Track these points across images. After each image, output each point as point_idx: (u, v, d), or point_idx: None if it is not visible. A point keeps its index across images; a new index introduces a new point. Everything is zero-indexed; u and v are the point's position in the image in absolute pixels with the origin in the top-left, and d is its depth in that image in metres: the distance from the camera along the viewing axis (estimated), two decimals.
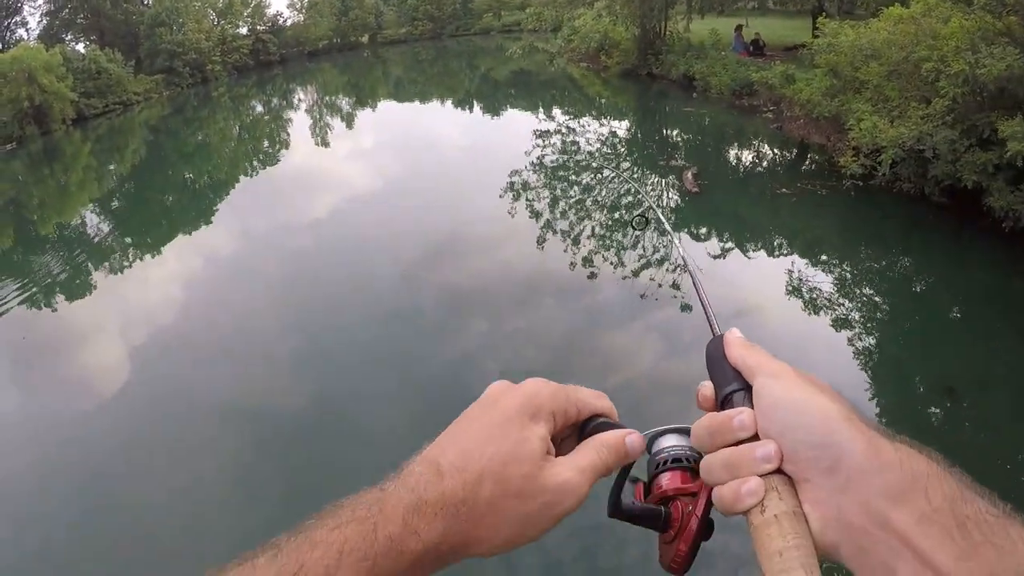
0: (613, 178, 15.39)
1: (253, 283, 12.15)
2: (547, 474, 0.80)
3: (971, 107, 9.74)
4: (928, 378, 7.44)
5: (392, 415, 7.16)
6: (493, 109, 30.38)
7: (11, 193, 24.91)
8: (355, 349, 9.09)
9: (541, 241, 11.62)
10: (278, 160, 25.28)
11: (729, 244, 10.99)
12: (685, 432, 0.90)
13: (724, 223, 11.96)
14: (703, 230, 11.69)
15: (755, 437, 0.74)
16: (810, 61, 14.95)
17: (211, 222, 17.24)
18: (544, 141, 19.13)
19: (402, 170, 19.55)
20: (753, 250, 10.90)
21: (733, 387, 0.79)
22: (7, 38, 48.77)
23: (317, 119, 33.09)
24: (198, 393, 8.58)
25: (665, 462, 0.90)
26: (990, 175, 9.24)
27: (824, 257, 10.49)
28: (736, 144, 18.16)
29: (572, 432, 0.89)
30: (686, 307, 8.78)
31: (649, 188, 14.57)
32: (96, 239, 17.26)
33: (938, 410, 6.77)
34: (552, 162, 16.99)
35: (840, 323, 8.46)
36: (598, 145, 18.97)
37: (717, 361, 0.83)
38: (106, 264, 14.75)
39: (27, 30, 50.64)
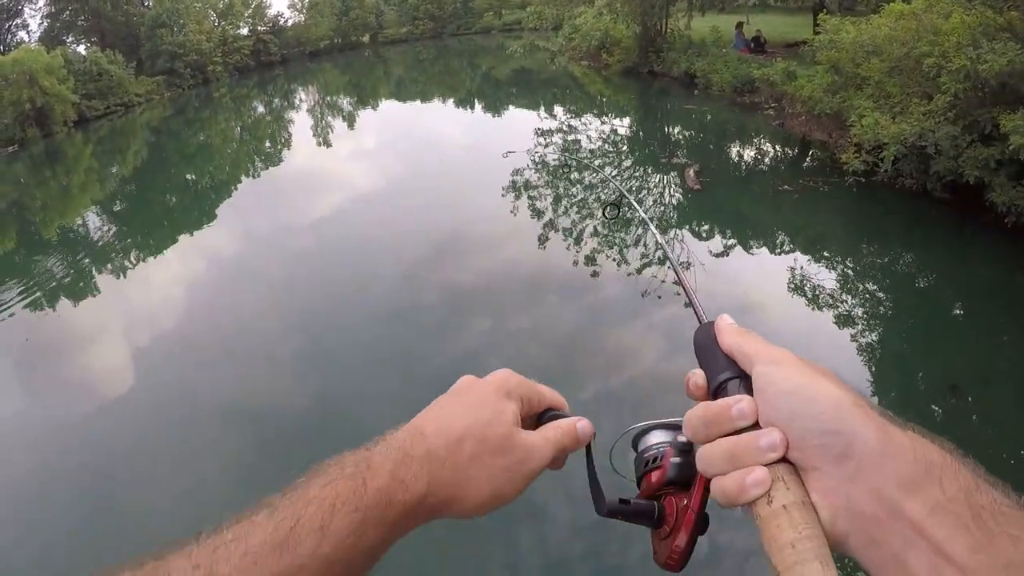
0: (614, 177, 15.37)
1: (255, 284, 12.16)
2: (520, 436, 0.90)
3: (973, 103, 9.73)
4: (931, 374, 7.43)
5: (395, 415, 7.05)
6: (494, 108, 30.36)
7: (13, 195, 24.94)
8: (357, 349, 9.09)
9: (543, 240, 11.61)
10: (280, 161, 25.28)
11: (731, 241, 10.98)
12: (672, 427, 0.91)
13: (726, 220, 11.95)
14: (705, 227, 11.69)
15: (755, 426, 0.71)
16: (811, 58, 14.94)
17: (213, 223, 17.23)
18: (546, 139, 19.12)
19: (403, 170, 19.55)
20: (755, 247, 10.89)
21: (727, 375, 0.77)
22: (8, 40, 48.86)
23: (318, 119, 33.08)
24: (200, 395, 8.58)
25: (655, 459, 0.90)
26: (992, 170, 9.23)
27: (826, 254, 10.47)
28: (738, 141, 18.12)
29: (531, 423, 0.97)
30: (689, 304, 8.75)
31: (651, 185, 14.57)
32: (98, 241, 17.27)
33: (941, 406, 6.76)
34: (554, 160, 16.99)
35: (843, 319, 8.45)
36: (600, 143, 18.95)
37: (708, 349, 0.81)
38: (108, 266, 14.76)
39: (28, 32, 50.80)
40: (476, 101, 32.71)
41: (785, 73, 17.25)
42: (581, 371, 7.94)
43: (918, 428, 0.66)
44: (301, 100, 41.86)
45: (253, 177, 22.77)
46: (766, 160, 16.28)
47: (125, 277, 14.10)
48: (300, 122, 33.04)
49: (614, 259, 10.61)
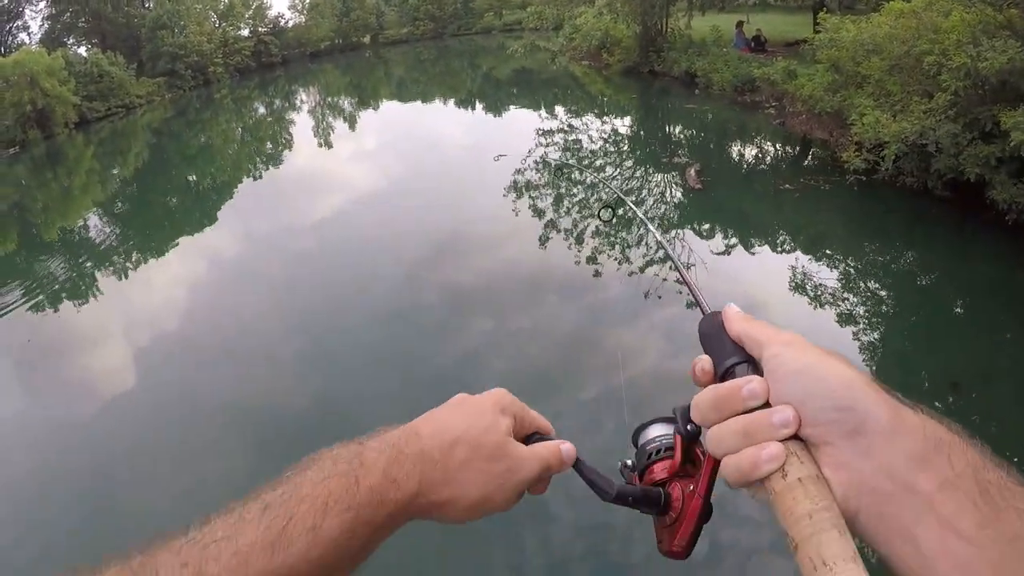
0: (615, 176, 15.37)
1: (256, 284, 12.17)
2: (513, 446, 0.93)
3: (973, 100, 9.73)
4: (932, 372, 7.43)
5: (395, 416, 7.05)
6: (495, 108, 30.36)
7: (14, 197, 24.96)
8: (358, 350, 9.10)
9: (543, 240, 11.61)
10: (281, 161, 25.30)
11: (733, 240, 10.98)
12: (669, 421, 0.93)
13: (727, 219, 11.95)
14: (706, 226, 11.69)
15: (766, 406, 0.72)
16: (811, 56, 14.92)
17: (214, 224, 17.27)
18: (547, 139, 19.12)
19: (404, 170, 19.55)
20: (757, 246, 10.89)
21: (735, 360, 0.78)
22: (9, 42, 48.91)
23: (319, 120, 33.09)
24: (201, 395, 8.60)
25: (658, 451, 0.91)
26: (993, 168, 9.23)
27: (827, 252, 10.47)
28: (738, 140, 18.13)
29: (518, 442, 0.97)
30: (692, 304, 8.75)
31: (652, 185, 14.57)
32: (100, 242, 17.29)
33: (943, 403, 6.76)
34: (555, 160, 16.98)
35: (844, 318, 8.45)
36: (601, 143, 18.95)
37: (714, 337, 0.82)
38: (110, 267, 14.78)
39: (29, 34, 50.88)
40: (477, 101, 32.71)
41: (786, 72, 17.24)
42: (582, 371, 7.94)
43: (927, 409, 0.68)
44: (302, 101, 41.86)
45: (254, 178, 22.79)
46: (767, 159, 16.28)
47: (126, 278, 14.11)
48: (301, 123, 33.05)
49: (615, 258, 10.60)
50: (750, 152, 16.91)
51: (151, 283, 13.53)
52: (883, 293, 9.24)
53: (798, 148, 16.09)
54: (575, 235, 11.65)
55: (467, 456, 0.87)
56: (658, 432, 0.94)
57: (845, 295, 9.02)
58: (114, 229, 18.79)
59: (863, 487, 0.65)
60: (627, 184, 14.63)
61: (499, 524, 5.60)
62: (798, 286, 9.27)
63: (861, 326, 8.28)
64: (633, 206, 2.03)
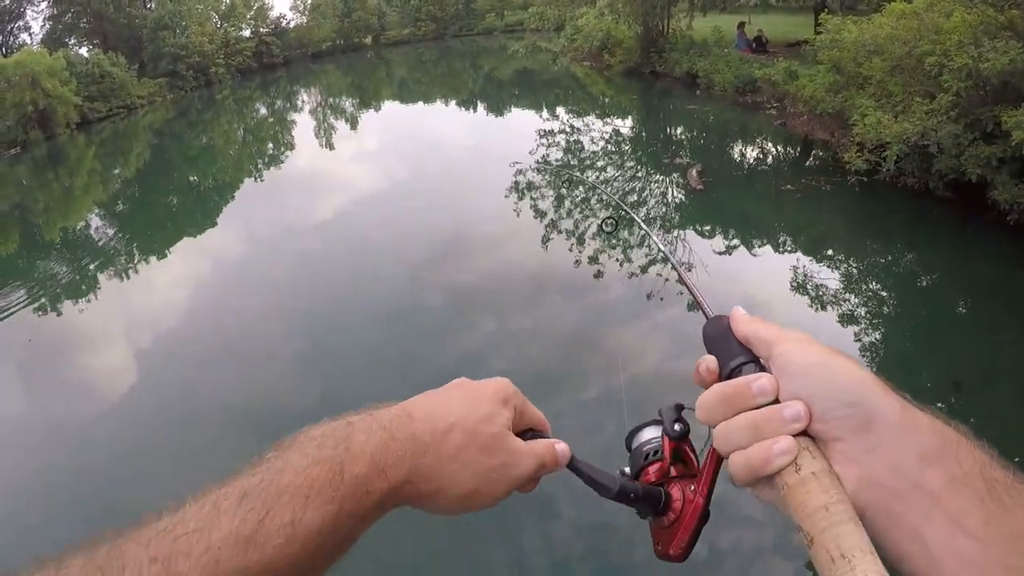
0: (617, 177, 15.38)
1: (257, 285, 12.16)
2: (510, 439, 0.89)
3: (974, 101, 9.72)
4: (934, 372, 7.43)
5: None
6: (497, 109, 30.37)
7: (16, 198, 24.94)
8: (359, 350, 9.10)
9: (545, 241, 11.61)
10: (282, 162, 25.26)
11: (734, 241, 10.98)
12: (660, 423, 0.92)
13: (729, 220, 11.94)
14: (708, 227, 11.68)
15: (775, 403, 0.72)
16: (813, 57, 14.94)
17: (216, 225, 17.28)
18: (548, 140, 19.11)
19: (406, 171, 19.54)
20: (758, 246, 10.89)
21: (742, 359, 0.77)
22: (10, 43, 48.93)
23: (321, 121, 33.07)
24: (202, 396, 8.59)
25: (655, 453, 0.91)
26: (994, 168, 9.23)
27: (829, 253, 10.47)
28: (740, 141, 18.12)
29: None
30: (692, 306, 8.75)
31: (654, 186, 14.57)
32: (101, 243, 17.30)
33: (944, 404, 6.75)
34: (557, 161, 16.99)
35: (846, 318, 8.45)
36: (602, 144, 18.94)
37: (720, 339, 0.82)
38: (111, 268, 14.78)
39: (30, 34, 50.90)
40: (478, 102, 32.72)
41: (787, 73, 17.24)
42: (582, 372, 7.94)
43: (934, 410, 0.68)
44: (303, 102, 41.85)
45: (256, 179, 22.77)
46: (768, 160, 16.28)
47: (127, 279, 14.11)
48: (303, 124, 33.03)
49: (617, 259, 10.59)
50: (751, 153, 16.91)
51: (152, 283, 13.54)
52: (884, 294, 9.24)
53: (799, 149, 16.09)
54: (576, 236, 11.64)
55: (461, 444, 0.83)
56: (650, 435, 0.94)
57: (846, 296, 9.02)
58: (115, 230, 18.79)
59: (872, 483, 0.65)
60: (628, 185, 14.64)
61: (499, 522, 5.61)
62: (799, 287, 9.27)
63: (863, 326, 8.28)
64: (638, 219, 2.03)
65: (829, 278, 9.48)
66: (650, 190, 14.24)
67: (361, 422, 0.80)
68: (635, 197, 13.70)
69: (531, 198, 13.95)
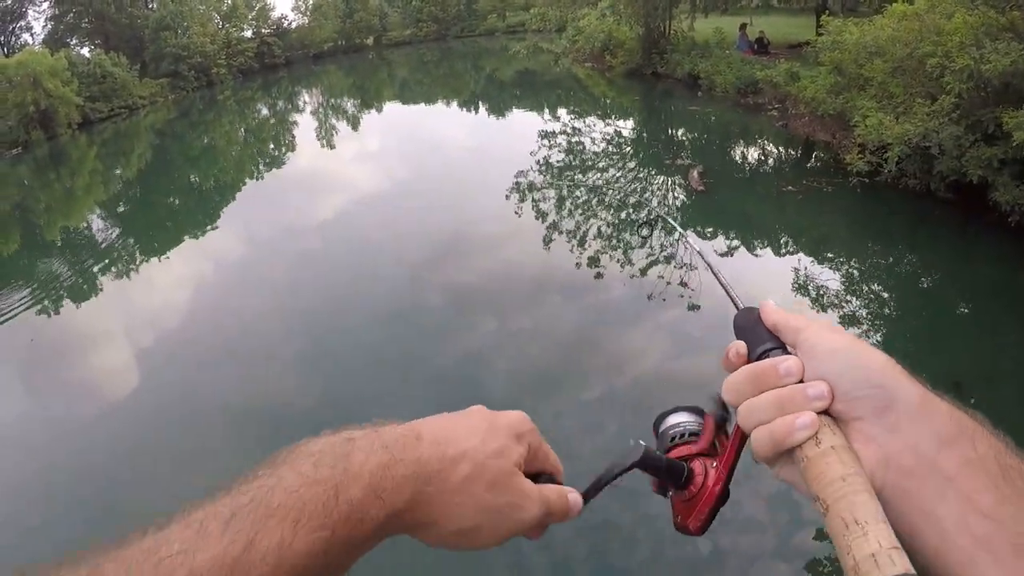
0: (619, 178, 15.39)
1: (258, 285, 12.17)
2: (520, 480, 0.82)
3: (976, 103, 9.72)
4: (935, 373, 7.41)
5: (400, 415, 7.15)
6: (498, 110, 30.37)
7: (17, 198, 25.00)
8: (360, 350, 9.10)
9: (547, 241, 11.61)
10: (284, 163, 25.29)
11: (736, 242, 10.98)
12: (691, 410, 0.94)
13: (730, 221, 11.94)
14: (709, 229, 11.68)
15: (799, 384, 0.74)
16: (814, 59, 14.96)
17: (217, 225, 17.27)
18: (550, 141, 19.11)
19: (408, 172, 19.54)
20: (760, 248, 10.89)
21: (770, 345, 0.80)
22: (12, 43, 48.98)
23: (322, 121, 33.11)
24: (203, 396, 8.59)
25: (682, 435, 0.92)
26: (995, 170, 9.23)
27: (830, 254, 10.47)
28: (741, 142, 18.13)
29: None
30: (693, 307, 8.77)
31: (655, 187, 14.58)
32: (102, 243, 17.31)
33: None
34: (559, 162, 17.00)
35: (847, 319, 8.44)
36: (604, 145, 18.95)
37: (750, 328, 0.84)
38: (112, 268, 14.79)
39: (32, 35, 50.95)
40: (480, 103, 32.72)
41: (788, 74, 17.25)
42: (584, 372, 7.94)
43: (952, 399, 0.70)
44: (305, 102, 41.88)
45: (257, 179, 22.79)
46: (770, 161, 16.29)
47: (129, 279, 14.13)
48: (304, 124, 33.06)
49: (618, 260, 10.60)
50: (753, 154, 16.92)
51: (153, 284, 13.55)
52: (886, 295, 9.24)
53: (801, 150, 16.10)
54: (577, 238, 11.65)
55: (469, 476, 0.77)
56: (682, 419, 0.95)
57: (848, 297, 9.02)
58: (117, 230, 18.79)
59: (890, 462, 0.67)
60: (630, 187, 14.64)
61: None
62: (801, 288, 9.27)
63: (864, 327, 8.27)
64: (669, 219, 2.05)
65: (830, 279, 9.48)
66: (652, 191, 14.24)
67: (363, 439, 0.74)
68: (635, 198, 13.70)
69: (532, 199, 13.96)
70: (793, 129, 16.57)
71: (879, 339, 8.08)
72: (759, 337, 0.81)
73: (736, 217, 12.33)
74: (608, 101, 27.64)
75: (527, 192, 14.42)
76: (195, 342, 10.26)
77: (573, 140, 19.55)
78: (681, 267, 9.95)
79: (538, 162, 16.69)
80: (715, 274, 1.11)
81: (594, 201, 13.75)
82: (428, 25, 66.27)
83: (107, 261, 15.34)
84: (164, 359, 9.87)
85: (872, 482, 0.66)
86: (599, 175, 15.73)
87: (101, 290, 13.48)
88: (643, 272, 10.03)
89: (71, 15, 50.47)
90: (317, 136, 28.92)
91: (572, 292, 10.08)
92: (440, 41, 65.29)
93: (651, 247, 10.87)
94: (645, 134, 21.07)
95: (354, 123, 32.13)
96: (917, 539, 0.64)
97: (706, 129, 20.30)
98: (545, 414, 6.81)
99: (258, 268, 13.31)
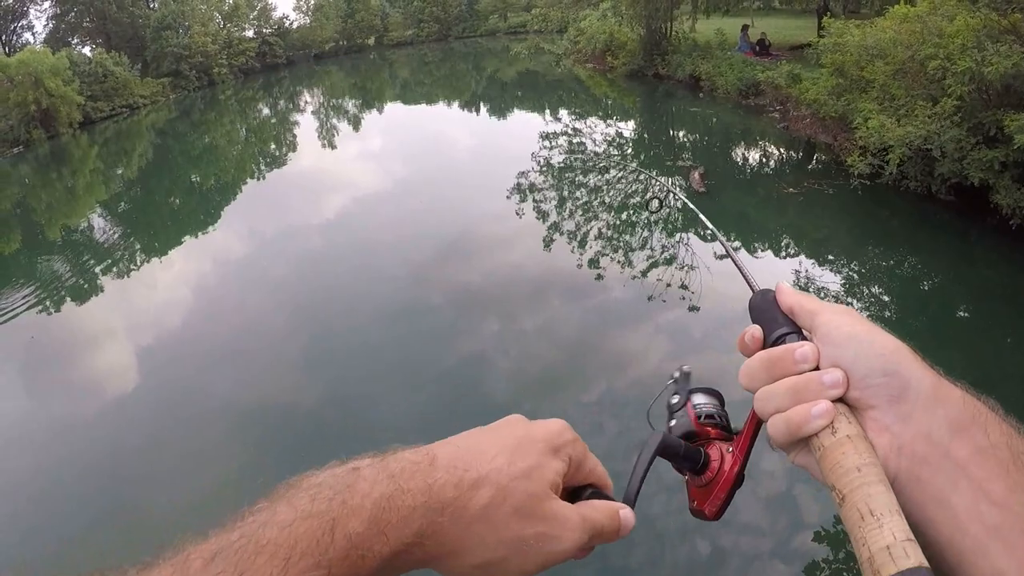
0: (621, 178, 15.39)
1: (261, 285, 12.17)
2: (554, 504, 0.73)
3: (977, 105, 9.73)
4: None
5: (400, 414, 7.17)
6: (500, 111, 30.38)
7: (18, 196, 24.99)
8: (365, 350, 9.10)
9: (548, 242, 11.62)
10: (285, 163, 25.30)
11: (736, 243, 10.97)
12: (708, 392, 0.94)
13: (731, 222, 11.94)
14: (708, 231, 11.64)
15: (815, 370, 0.74)
16: (816, 60, 14.97)
17: (218, 225, 17.28)
18: (551, 143, 19.12)
19: (409, 172, 19.55)
20: (760, 249, 10.89)
21: (786, 330, 0.79)
22: (13, 42, 48.91)
23: (324, 122, 33.12)
24: (206, 395, 8.59)
25: (699, 417, 0.92)
26: (997, 172, 9.23)
27: (831, 256, 10.47)
28: (743, 144, 18.13)
29: (564, 495, 0.78)
30: (694, 308, 8.78)
31: (656, 189, 14.58)
32: (103, 242, 17.30)
33: None
34: (560, 163, 17.01)
35: None
36: (604, 146, 18.96)
37: (766, 311, 0.84)
38: (114, 267, 14.79)
39: (33, 34, 50.84)
40: (482, 104, 32.71)
41: (790, 76, 17.27)
42: (586, 372, 7.95)
43: (966, 385, 0.70)
44: (306, 102, 41.89)
45: (258, 179, 22.80)
46: (771, 163, 16.29)
47: (130, 278, 14.13)
48: (305, 124, 33.05)
49: (619, 262, 10.60)
50: (754, 155, 16.93)
51: (155, 283, 13.55)
52: (887, 297, 9.24)
53: (802, 152, 16.10)
54: (579, 239, 11.66)
55: (490, 503, 0.68)
56: (701, 400, 0.94)
57: (849, 299, 9.01)
58: (118, 229, 18.80)
59: (903, 451, 0.67)
60: (631, 187, 14.64)
61: None
62: (801, 289, 9.19)
63: None
64: (683, 197, 2.07)
65: (831, 281, 9.49)
66: (652, 192, 14.24)
67: (368, 469, 0.67)
68: (637, 199, 13.71)
69: (534, 200, 13.96)
70: (794, 131, 16.57)
71: None
72: (775, 321, 0.81)
73: (737, 218, 12.32)
74: (609, 102, 27.64)
75: (528, 192, 14.43)
76: (197, 341, 10.27)
77: (574, 141, 19.58)
78: (681, 269, 9.96)
79: (539, 163, 16.71)
80: (730, 254, 1.11)
81: (595, 202, 13.76)
82: (429, 25, 66.31)
83: (108, 260, 15.33)
84: (166, 358, 9.87)
85: (886, 470, 0.67)
86: (600, 176, 15.73)
87: (102, 289, 13.47)
88: (644, 274, 10.04)
89: (72, 14, 50.46)
90: (318, 136, 28.93)
91: (574, 293, 10.08)
92: (441, 41, 65.36)
93: (652, 248, 10.88)
94: (646, 135, 21.07)
95: (355, 123, 32.13)
96: (930, 527, 0.65)
97: (707, 130, 20.32)
98: (548, 414, 6.81)
99: (260, 268, 13.31)
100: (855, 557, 0.64)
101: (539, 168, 16.27)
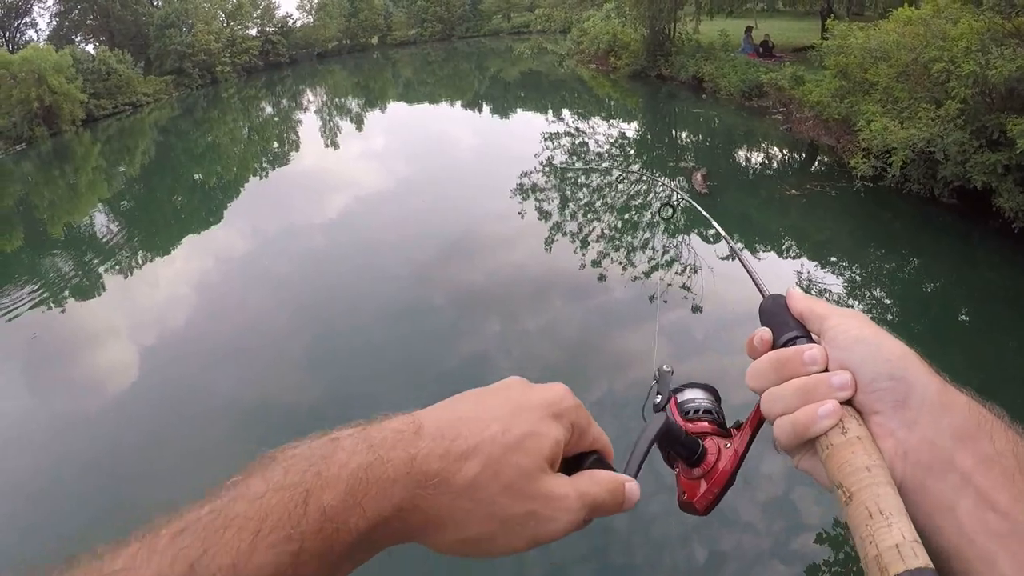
0: (623, 179, 15.38)
1: (264, 284, 12.16)
2: (548, 479, 0.67)
3: (981, 108, 9.72)
4: None
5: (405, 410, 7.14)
6: (503, 111, 30.38)
7: (21, 194, 25.00)
8: (367, 350, 9.09)
9: (550, 242, 11.62)
10: (288, 161, 25.28)
11: (739, 245, 10.77)
12: (704, 387, 0.95)
13: (734, 224, 11.92)
14: (712, 231, 11.66)
15: (823, 372, 0.74)
16: (819, 63, 14.94)
17: (221, 223, 17.28)
18: (554, 143, 19.12)
19: (412, 171, 19.53)
20: (763, 251, 10.88)
21: (795, 333, 0.79)
22: (17, 39, 48.91)
23: (326, 120, 33.11)
24: (209, 395, 8.58)
25: (697, 411, 0.92)
26: (999, 176, 9.23)
27: (834, 258, 10.47)
28: (746, 145, 18.12)
29: (563, 465, 0.72)
30: (697, 308, 8.78)
31: (658, 190, 14.57)
32: (106, 240, 17.29)
33: None
34: (562, 163, 17.00)
35: None
36: (607, 147, 18.95)
37: (776, 314, 0.84)
38: (116, 265, 14.78)
39: (37, 31, 50.79)
40: (484, 104, 32.72)
41: (793, 78, 17.27)
42: (587, 372, 7.94)
43: (971, 391, 0.70)
44: (309, 101, 41.85)
45: (261, 178, 22.81)
46: (774, 164, 16.28)
47: (132, 276, 14.13)
48: (308, 123, 33.03)
49: (621, 263, 10.60)
50: (757, 157, 16.92)
51: (157, 281, 13.54)
52: (889, 300, 9.23)
53: (805, 154, 16.09)
54: (581, 239, 11.66)
55: (478, 477, 0.63)
56: (696, 395, 0.95)
57: (851, 301, 9.01)
58: (121, 226, 18.79)
59: (908, 457, 0.67)
60: (633, 188, 14.63)
61: None
62: (804, 291, 9.23)
63: None
64: (695, 204, 2.07)
65: (834, 283, 9.49)
66: (655, 193, 14.23)
67: (348, 439, 0.62)
68: (639, 200, 13.70)
69: (536, 200, 13.96)
70: (797, 132, 16.56)
71: None
72: (785, 324, 0.82)
73: (739, 220, 12.31)
74: (612, 103, 27.64)
75: (531, 193, 14.43)
76: (199, 339, 10.26)
77: (577, 142, 19.59)
78: (683, 271, 9.96)
79: (542, 163, 16.70)
80: (740, 260, 1.12)
81: (598, 203, 13.76)
82: (433, 25, 66.33)
83: (111, 258, 15.33)
84: (167, 356, 9.87)
85: (891, 475, 0.66)
86: (602, 177, 15.73)
87: (104, 287, 13.46)
88: (646, 275, 10.04)
89: (76, 12, 50.46)
90: (321, 135, 28.93)
91: (576, 293, 10.08)
92: (445, 41, 65.37)
93: (653, 249, 10.88)
94: (649, 136, 21.05)
95: (358, 122, 32.10)
96: (936, 535, 0.64)
97: (710, 132, 20.31)
98: None
99: (262, 266, 13.30)
100: (856, 559, 0.63)
101: (542, 168, 16.26)
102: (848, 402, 0.72)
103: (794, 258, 10.60)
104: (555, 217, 12.84)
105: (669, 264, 10.25)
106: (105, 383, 9.52)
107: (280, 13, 61.39)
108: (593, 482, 0.71)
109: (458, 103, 34.15)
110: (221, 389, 8.64)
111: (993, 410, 0.68)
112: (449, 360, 8.50)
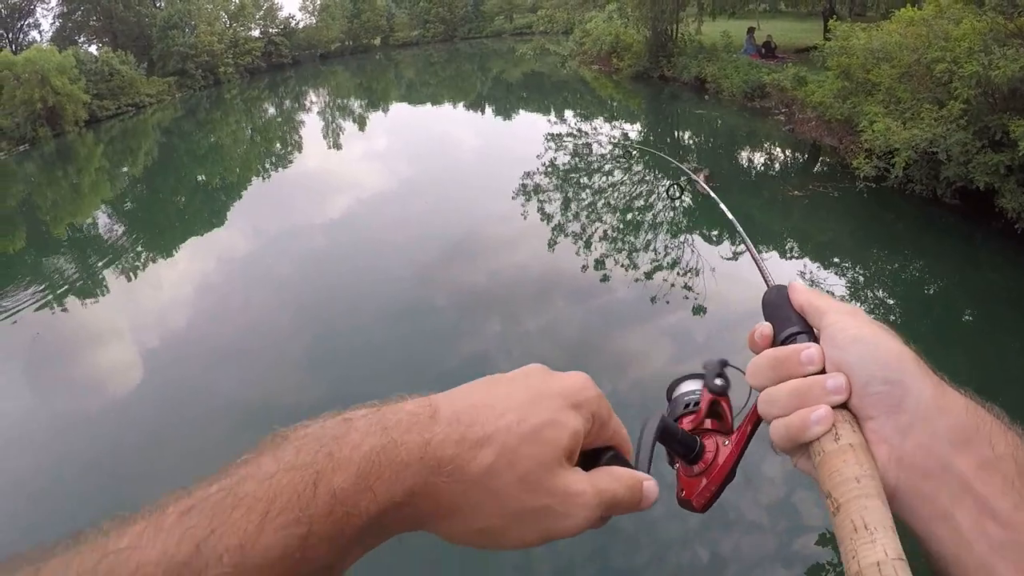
0: (625, 180, 15.38)
1: (266, 285, 12.17)
2: (564, 473, 0.65)
3: (983, 109, 9.71)
4: None
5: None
6: (505, 112, 30.37)
7: (24, 194, 25.01)
8: (368, 350, 9.09)
9: (552, 243, 11.62)
10: (290, 162, 25.26)
11: (740, 247, 10.94)
12: (701, 377, 0.92)
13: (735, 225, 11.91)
14: (715, 232, 11.66)
15: (821, 373, 0.73)
16: (822, 63, 14.93)
17: (224, 224, 17.28)
18: (556, 144, 19.12)
19: (414, 172, 19.53)
20: (765, 252, 10.85)
21: (796, 329, 0.79)
22: (20, 40, 48.98)
23: (329, 121, 33.12)
24: (210, 395, 8.59)
25: (697, 403, 0.91)
26: (1002, 176, 9.21)
27: (836, 259, 10.46)
28: (748, 146, 18.11)
29: (581, 459, 0.70)
30: (699, 309, 8.77)
31: (661, 189, 14.57)
32: (109, 240, 17.31)
33: None
34: (565, 164, 17.00)
35: None
36: (610, 147, 18.94)
37: (778, 307, 0.84)
38: (119, 265, 14.78)
39: (40, 32, 50.83)
40: (487, 105, 32.72)
41: (796, 78, 17.26)
42: (589, 373, 7.93)
43: (971, 392, 0.69)
44: (312, 102, 41.83)
45: (263, 179, 22.78)
46: (776, 165, 16.27)
47: (135, 276, 14.12)
48: (311, 124, 33.02)
49: (622, 264, 10.59)
50: (759, 158, 16.91)
51: (160, 281, 13.54)
52: (891, 300, 9.22)
53: (807, 154, 16.07)
54: (583, 239, 11.66)
55: (492, 466, 0.61)
56: (691, 387, 0.94)
57: (853, 302, 8.95)
58: (124, 227, 18.81)
59: (902, 462, 0.66)
60: (635, 189, 14.63)
61: None
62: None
63: None
64: (701, 183, 2.08)
65: (835, 284, 9.48)
66: (657, 194, 14.22)
67: (362, 420, 0.62)
68: (642, 201, 13.70)
69: (538, 200, 13.96)
70: (800, 133, 16.55)
71: None
72: (787, 319, 0.81)
73: (741, 220, 12.13)
74: (615, 104, 27.62)
75: (534, 194, 14.43)
76: (200, 340, 10.27)
77: (580, 143, 19.56)
78: (687, 271, 9.96)
79: (544, 164, 16.70)
80: (748, 248, 1.12)
81: (600, 203, 13.75)
82: (435, 26, 66.35)
83: (113, 258, 15.33)
84: (169, 356, 9.88)
85: (885, 482, 0.65)
86: (605, 178, 15.73)
87: (107, 287, 13.47)
88: (649, 275, 10.03)
89: (79, 13, 50.51)
90: (324, 136, 28.91)
91: (578, 294, 10.07)
92: (447, 42, 65.35)
93: (655, 250, 10.88)
94: (651, 137, 21.03)
95: (361, 123, 32.07)
96: (935, 542, 0.64)
97: (713, 132, 20.31)
98: None
99: (264, 267, 13.31)
100: None
101: (544, 169, 16.26)
102: (844, 405, 0.71)
103: (797, 258, 10.59)
104: (557, 218, 12.83)
105: (673, 264, 10.25)
106: (106, 383, 9.54)
107: (283, 14, 61.38)
108: (612, 478, 0.70)
109: (460, 104, 34.13)
110: (222, 389, 8.64)
111: (993, 411, 0.67)
112: (450, 360, 8.51)
